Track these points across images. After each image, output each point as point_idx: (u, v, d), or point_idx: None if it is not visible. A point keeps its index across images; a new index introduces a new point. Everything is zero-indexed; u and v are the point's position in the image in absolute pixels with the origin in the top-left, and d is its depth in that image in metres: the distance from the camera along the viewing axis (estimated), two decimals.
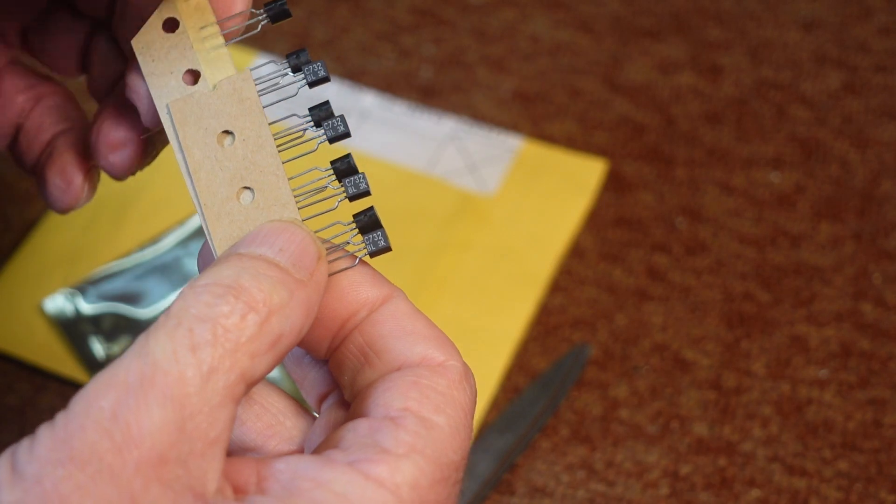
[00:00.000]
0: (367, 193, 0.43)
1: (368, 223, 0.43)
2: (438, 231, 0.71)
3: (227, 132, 0.43)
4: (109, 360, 0.66)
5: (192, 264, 0.69)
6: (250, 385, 0.38)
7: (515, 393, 0.67)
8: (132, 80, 0.44)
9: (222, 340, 0.37)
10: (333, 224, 0.43)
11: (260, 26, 0.44)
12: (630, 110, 0.77)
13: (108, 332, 0.67)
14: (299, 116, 0.43)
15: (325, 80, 0.43)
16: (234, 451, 0.43)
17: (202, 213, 0.43)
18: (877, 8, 0.82)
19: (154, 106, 0.44)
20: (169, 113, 0.43)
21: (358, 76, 0.79)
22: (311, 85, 0.43)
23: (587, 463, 0.64)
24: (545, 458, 0.65)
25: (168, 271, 0.69)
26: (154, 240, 0.70)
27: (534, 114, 0.77)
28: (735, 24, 0.81)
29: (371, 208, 0.43)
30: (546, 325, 0.69)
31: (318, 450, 0.40)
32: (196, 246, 0.70)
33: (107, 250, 0.70)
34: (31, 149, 0.49)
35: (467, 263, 0.70)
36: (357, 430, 0.40)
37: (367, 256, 0.43)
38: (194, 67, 0.43)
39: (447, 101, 0.78)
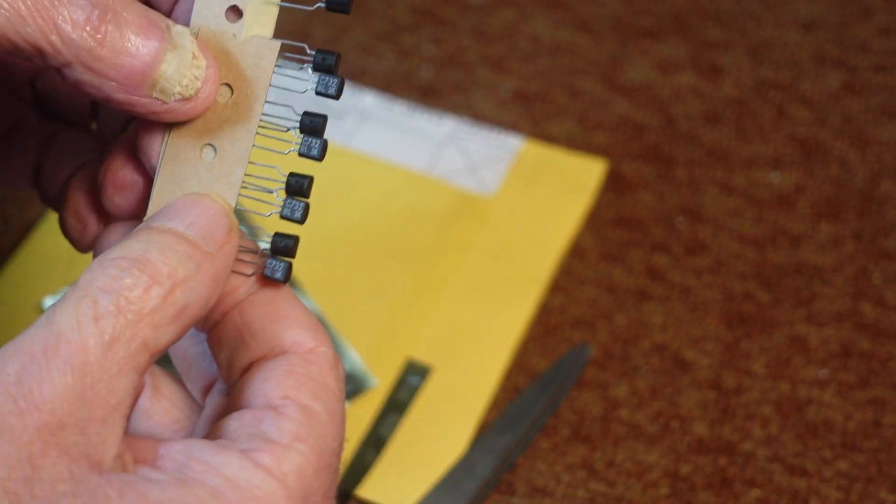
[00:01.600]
0: (317, 158, 0.43)
1: (281, 248, 0.43)
2: (438, 231, 0.71)
3: (228, 86, 0.43)
4: None
5: None
6: (154, 354, 0.40)
7: (515, 393, 0.66)
8: (143, 144, 0.44)
9: (125, 311, 0.39)
10: (274, 191, 0.43)
11: (315, 5, 0.43)
12: (630, 110, 0.77)
13: None
14: (295, 113, 0.43)
15: (334, 97, 0.43)
16: None
17: (163, 145, 0.43)
18: (877, 8, 0.82)
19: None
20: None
21: (358, 76, 0.79)
22: (317, 93, 0.43)
23: (587, 463, 0.64)
24: (545, 458, 0.64)
25: None
26: None
27: (534, 114, 0.77)
28: (735, 24, 0.81)
29: (295, 238, 0.43)
30: (546, 325, 0.69)
31: (206, 437, 0.42)
32: None
33: None
34: (52, 186, 0.49)
35: (467, 263, 0.70)
36: (242, 420, 0.41)
37: (261, 276, 0.44)
38: (241, 7, 0.43)
39: (447, 101, 0.78)
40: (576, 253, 0.71)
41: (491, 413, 0.66)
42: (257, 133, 0.43)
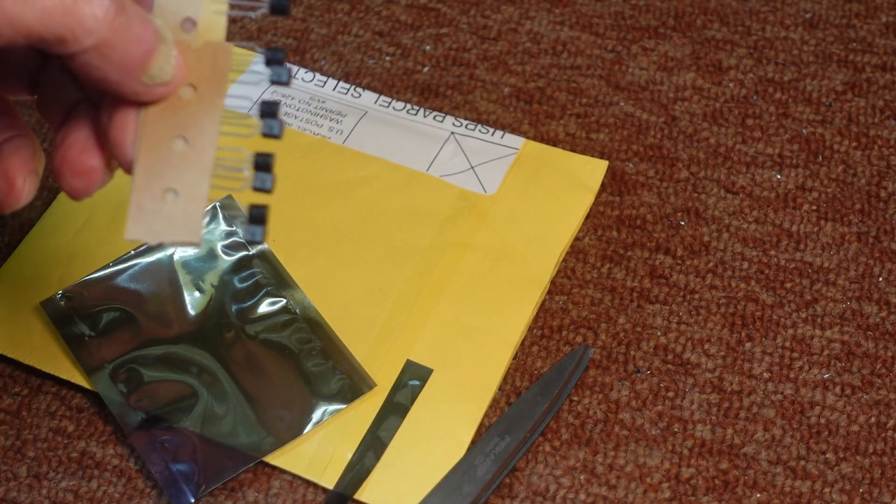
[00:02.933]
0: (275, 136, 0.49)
1: (255, 216, 0.49)
2: (438, 231, 0.71)
3: (191, 86, 0.49)
4: (105, 361, 0.65)
5: (186, 264, 0.69)
6: None
7: (516, 395, 0.66)
8: (117, 139, 0.49)
9: None
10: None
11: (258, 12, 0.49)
12: (632, 109, 0.77)
13: (104, 333, 0.66)
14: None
15: (285, 84, 0.49)
16: None
17: (138, 141, 0.49)
18: (881, 6, 0.82)
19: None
20: None
21: (357, 75, 0.78)
22: (273, 83, 0.49)
23: (588, 466, 0.64)
24: (546, 461, 0.64)
25: (163, 271, 0.68)
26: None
27: (534, 113, 0.77)
28: (738, 23, 0.81)
29: (266, 207, 0.50)
30: (547, 326, 0.68)
31: None
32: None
33: (102, 252, 0.69)
34: None
35: (467, 263, 0.70)
36: None
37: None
38: (194, 18, 0.49)
39: (447, 100, 0.77)
40: (577, 253, 0.71)
41: (491, 415, 0.65)
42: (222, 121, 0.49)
